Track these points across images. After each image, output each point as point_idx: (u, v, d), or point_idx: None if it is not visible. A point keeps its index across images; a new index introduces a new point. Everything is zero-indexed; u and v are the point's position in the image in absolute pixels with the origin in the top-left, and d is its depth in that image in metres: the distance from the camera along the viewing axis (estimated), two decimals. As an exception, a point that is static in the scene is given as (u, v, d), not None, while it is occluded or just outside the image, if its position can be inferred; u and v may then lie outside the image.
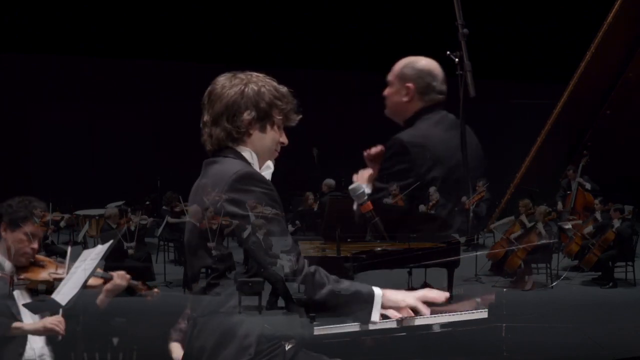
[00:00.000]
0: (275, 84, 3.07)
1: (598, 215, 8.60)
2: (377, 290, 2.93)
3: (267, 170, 3.05)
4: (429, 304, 2.97)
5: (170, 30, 10.98)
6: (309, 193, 10.11)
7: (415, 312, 2.95)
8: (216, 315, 2.88)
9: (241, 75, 3.06)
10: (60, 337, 3.62)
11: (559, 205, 8.56)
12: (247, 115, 2.99)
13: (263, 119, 3.01)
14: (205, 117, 3.04)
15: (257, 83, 3.03)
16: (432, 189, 9.41)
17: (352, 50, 11.45)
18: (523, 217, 8.29)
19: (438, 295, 3.00)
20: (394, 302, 2.94)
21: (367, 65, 11.62)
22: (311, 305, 2.87)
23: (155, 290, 3.91)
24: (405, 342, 2.99)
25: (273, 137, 3.04)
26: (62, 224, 8.96)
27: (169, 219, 9.25)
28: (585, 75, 5.75)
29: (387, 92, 5.26)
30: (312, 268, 2.89)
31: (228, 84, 3.04)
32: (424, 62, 5.30)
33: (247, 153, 3.00)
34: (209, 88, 3.09)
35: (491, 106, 7.04)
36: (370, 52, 11.48)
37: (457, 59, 5.29)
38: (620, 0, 5.60)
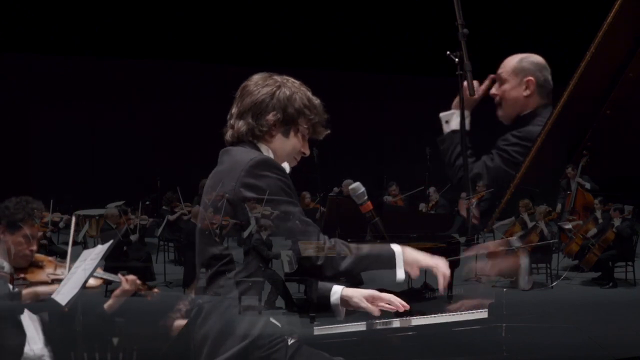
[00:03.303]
0: (309, 94, 3.08)
1: (598, 215, 8.60)
2: (397, 248, 2.99)
3: None
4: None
5: (171, 30, 10.98)
6: (306, 192, 10.13)
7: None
8: (222, 304, 2.90)
9: (277, 77, 3.07)
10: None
11: (558, 207, 8.57)
12: (272, 117, 3.00)
13: (288, 124, 3.02)
14: (233, 110, 3.06)
15: (291, 88, 3.04)
16: (431, 189, 9.43)
17: (352, 50, 11.45)
18: (524, 217, 8.29)
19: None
20: (414, 259, 3.00)
21: (367, 66, 11.63)
22: (338, 276, 2.94)
23: (155, 290, 3.92)
24: (405, 342, 2.99)
25: (295, 144, 3.05)
26: (61, 224, 8.97)
27: (169, 217, 9.26)
28: (585, 75, 5.75)
29: (501, 88, 5.24)
30: (332, 241, 2.93)
31: (262, 83, 3.05)
32: (538, 57, 5.35)
33: (264, 149, 3.02)
34: (243, 83, 3.10)
35: (491, 106, 7.06)
36: (371, 53, 11.49)
37: (457, 59, 5.31)
38: (620, 0, 5.59)
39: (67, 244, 3.95)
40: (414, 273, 3.01)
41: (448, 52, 5.31)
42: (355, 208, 3.43)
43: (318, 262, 2.91)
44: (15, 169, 10.14)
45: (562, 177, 8.18)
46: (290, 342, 2.91)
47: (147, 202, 9.93)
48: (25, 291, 3.68)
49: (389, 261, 3.00)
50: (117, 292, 3.71)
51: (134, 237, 8.54)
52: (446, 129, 5.78)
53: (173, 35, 10.97)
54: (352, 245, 2.99)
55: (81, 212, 9.45)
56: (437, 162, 10.08)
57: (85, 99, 10.85)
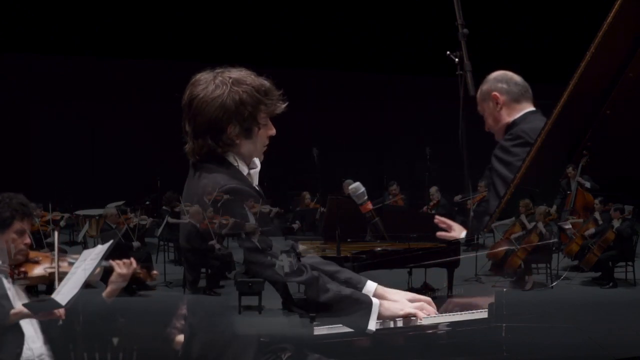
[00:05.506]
0: (256, 82, 2.96)
1: (598, 215, 8.59)
2: (375, 301, 2.94)
3: (255, 169, 3.02)
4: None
5: (171, 30, 10.97)
6: (306, 192, 10.11)
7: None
8: (214, 326, 2.89)
9: (221, 79, 2.96)
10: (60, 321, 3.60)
11: (554, 208, 8.56)
12: (231, 130, 2.93)
13: (248, 127, 2.95)
14: (187, 127, 2.98)
15: (238, 91, 2.93)
16: (433, 189, 9.45)
17: (351, 50, 11.44)
18: (523, 218, 8.28)
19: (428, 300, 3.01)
20: (392, 313, 2.95)
21: (366, 65, 11.63)
22: (314, 306, 2.89)
23: (154, 272, 3.91)
24: (405, 342, 2.99)
25: (261, 138, 3.00)
26: (62, 222, 8.97)
27: (169, 219, 9.24)
28: (585, 75, 5.74)
29: (486, 119, 5.29)
30: (316, 272, 2.89)
31: (209, 93, 2.95)
32: (495, 73, 5.42)
33: (232, 159, 2.96)
34: (188, 91, 3.01)
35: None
36: (370, 52, 11.48)
37: (457, 59, 5.32)
38: (620, 0, 5.59)
39: (67, 243, 3.97)
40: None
41: (448, 52, 5.32)
42: (355, 208, 3.43)
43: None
44: (15, 169, 10.14)
45: (562, 177, 8.19)
46: (284, 358, 2.90)
47: (147, 202, 9.92)
48: (12, 312, 3.70)
49: (365, 310, 2.95)
50: (112, 277, 3.71)
51: (135, 244, 8.53)
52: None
53: (173, 35, 10.96)
54: (335, 283, 2.96)
55: (81, 212, 9.45)
56: (437, 162, 10.09)
57: (85, 99, 10.84)
